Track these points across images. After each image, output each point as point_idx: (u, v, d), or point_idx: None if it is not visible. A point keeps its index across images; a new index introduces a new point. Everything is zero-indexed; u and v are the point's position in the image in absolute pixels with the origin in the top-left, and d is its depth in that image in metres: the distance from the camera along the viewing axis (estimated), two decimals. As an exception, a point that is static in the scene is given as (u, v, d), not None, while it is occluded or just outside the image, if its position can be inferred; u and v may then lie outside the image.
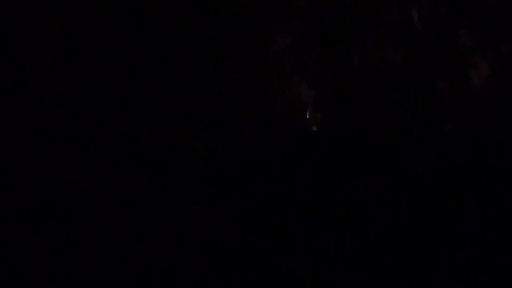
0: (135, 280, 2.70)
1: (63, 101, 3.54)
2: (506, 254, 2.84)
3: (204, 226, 3.02)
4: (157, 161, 3.44)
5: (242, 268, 2.77)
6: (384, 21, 3.54)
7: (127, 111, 3.60)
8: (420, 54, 3.50)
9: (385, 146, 3.38)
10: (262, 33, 3.61)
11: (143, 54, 3.63)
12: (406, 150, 3.36)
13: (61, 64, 3.55)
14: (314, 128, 3.61)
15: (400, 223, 3.06)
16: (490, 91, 3.42)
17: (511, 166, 3.22)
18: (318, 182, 3.27)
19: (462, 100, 3.44)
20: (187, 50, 3.63)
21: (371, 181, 3.24)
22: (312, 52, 3.60)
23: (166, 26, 3.63)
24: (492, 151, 3.28)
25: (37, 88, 3.52)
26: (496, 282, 2.71)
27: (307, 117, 3.62)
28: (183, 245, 2.91)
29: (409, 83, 3.51)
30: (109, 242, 2.94)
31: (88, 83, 3.58)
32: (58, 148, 3.46)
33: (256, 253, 2.86)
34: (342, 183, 3.25)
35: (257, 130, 3.57)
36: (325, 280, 2.69)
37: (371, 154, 3.36)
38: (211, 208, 3.16)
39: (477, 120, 3.40)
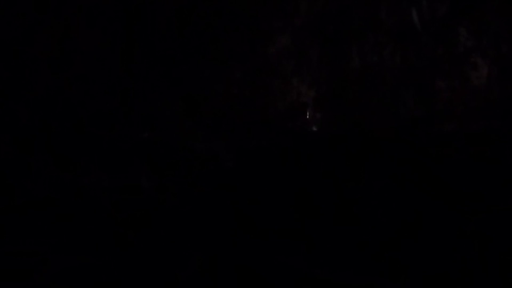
0: (135, 279, 2.70)
1: (63, 101, 3.55)
2: (506, 254, 2.83)
3: (204, 225, 3.03)
4: (158, 161, 3.45)
5: (241, 267, 2.78)
6: (384, 21, 3.55)
7: (127, 111, 3.61)
8: (420, 54, 3.50)
9: (385, 146, 3.38)
10: (262, 33, 3.62)
11: (143, 54, 3.64)
12: (406, 150, 3.37)
13: (61, 64, 3.56)
14: (314, 128, 3.62)
15: (400, 223, 3.06)
16: (489, 91, 3.42)
17: (511, 166, 3.21)
18: (318, 182, 3.27)
19: (461, 100, 3.45)
20: (187, 50, 3.64)
21: (371, 180, 3.24)
22: (312, 52, 3.61)
23: (167, 27, 3.64)
24: (492, 151, 3.28)
25: (37, 88, 3.53)
26: (496, 282, 2.71)
27: (307, 117, 3.62)
28: (183, 244, 2.91)
29: (409, 83, 3.51)
30: (109, 241, 2.94)
31: (89, 83, 3.59)
32: (59, 148, 3.46)
33: (255, 252, 2.86)
34: (342, 182, 3.25)
35: (257, 130, 3.57)
36: (325, 280, 2.69)
37: (371, 154, 3.36)
38: (211, 207, 3.17)
39: (477, 120, 3.40)
